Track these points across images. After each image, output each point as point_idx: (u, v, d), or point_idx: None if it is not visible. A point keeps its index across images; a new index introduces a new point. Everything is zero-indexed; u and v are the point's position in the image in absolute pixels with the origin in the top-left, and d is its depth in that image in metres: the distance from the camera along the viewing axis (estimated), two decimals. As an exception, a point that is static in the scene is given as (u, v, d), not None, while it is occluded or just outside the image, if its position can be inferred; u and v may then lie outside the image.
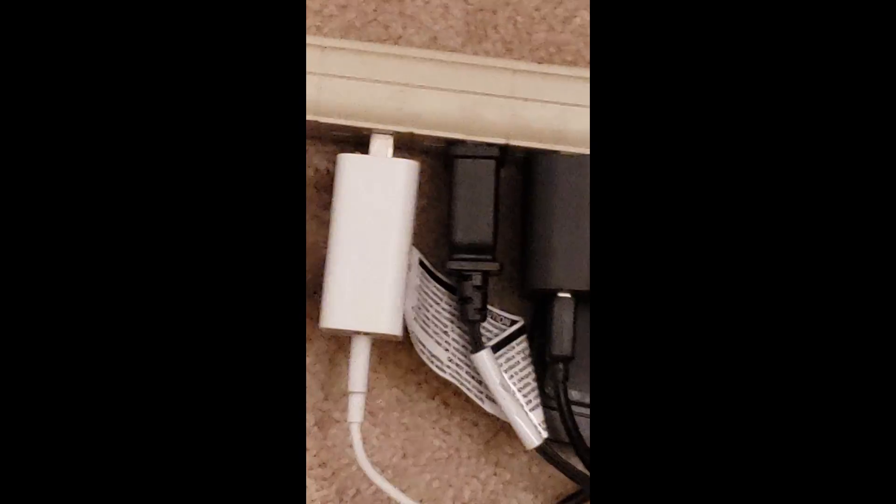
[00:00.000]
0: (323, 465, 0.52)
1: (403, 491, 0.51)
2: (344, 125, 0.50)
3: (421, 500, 0.52)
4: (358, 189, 0.49)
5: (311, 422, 0.52)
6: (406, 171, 0.50)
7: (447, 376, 0.50)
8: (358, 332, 0.50)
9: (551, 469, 0.51)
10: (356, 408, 0.50)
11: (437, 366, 0.50)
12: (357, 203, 0.49)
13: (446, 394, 0.52)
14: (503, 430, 0.52)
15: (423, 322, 0.50)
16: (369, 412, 0.52)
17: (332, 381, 0.52)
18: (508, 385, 0.50)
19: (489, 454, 0.52)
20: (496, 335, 0.51)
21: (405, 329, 0.50)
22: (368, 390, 0.52)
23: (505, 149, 0.50)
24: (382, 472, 0.52)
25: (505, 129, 0.50)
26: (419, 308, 0.50)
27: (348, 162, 0.50)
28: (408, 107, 0.49)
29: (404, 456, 0.52)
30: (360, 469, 0.51)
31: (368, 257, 0.49)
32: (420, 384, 0.52)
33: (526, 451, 0.51)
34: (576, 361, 0.50)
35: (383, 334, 0.49)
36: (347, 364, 0.51)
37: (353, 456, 0.51)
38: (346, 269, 0.49)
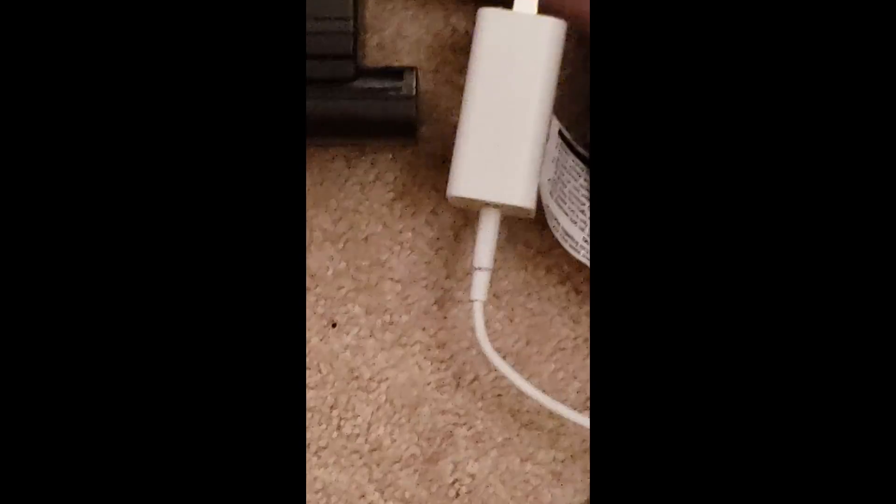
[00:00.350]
0: (441, 346, 0.49)
1: (526, 380, 0.48)
2: None
3: (544, 391, 0.48)
4: (498, 47, 0.46)
5: (430, 300, 0.49)
6: (552, 31, 0.46)
7: (581, 258, 0.47)
8: (488, 204, 0.46)
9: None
10: (481, 285, 0.47)
11: (570, 245, 0.46)
12: (496, 62, 0.46)
13: (578, 279, 0.49)
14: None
15: (560, 197, 0.46)
16: (493, 294, 0.49)
17: (456, 258, 0.49)
18: None
19: (620, 347, 0.48)
20: None
21: (539, 204, 0.46)
22: (494, 270, 0.48)
23: None
24: (504, 358, 0.48)
25: None
26: (556, 182, 0.46)
27: (489, 17, 0.46)
28: None
29: (528, 343, 0.49)
30: (480, 353, 0.47)
31: (505, 122, 0.45)
32: (550, 268, 0.49)
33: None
34: None
35: (516, 207, 0.46)
36: (473, 240, 0.47)
37: (473, 339, 0.47)
38: (479, 134, 0.46)
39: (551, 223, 0.46)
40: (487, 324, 0.48)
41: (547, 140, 0.46)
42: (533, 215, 0.46)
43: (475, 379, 0.49)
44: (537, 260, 0.49)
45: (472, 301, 0.47)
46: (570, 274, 0.49)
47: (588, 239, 0.47)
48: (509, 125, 0.45)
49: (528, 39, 0.46)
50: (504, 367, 0.46)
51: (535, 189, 0.46)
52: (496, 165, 0.45)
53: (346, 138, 0.47)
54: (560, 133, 0.47)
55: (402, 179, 0.49)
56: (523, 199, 0.46)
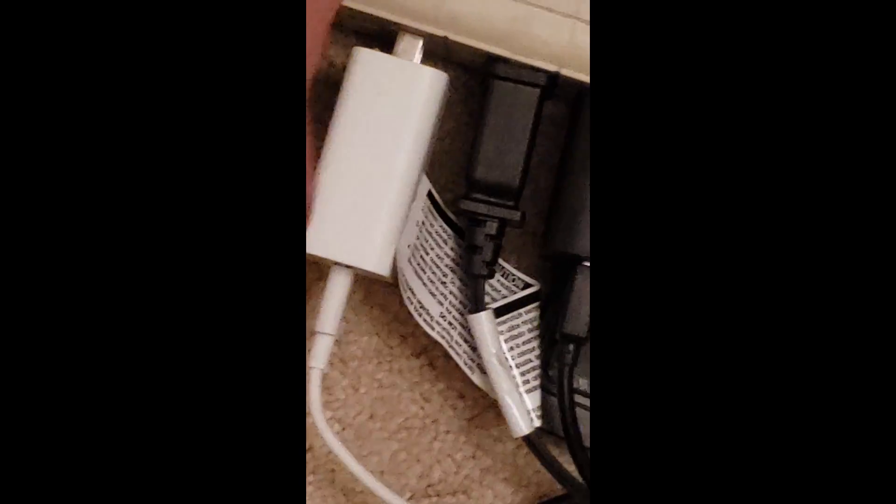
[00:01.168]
0: (275, 409, 0.44)
1: (364, 457, 0.43)
2: (369, 14, 0.42)
3: (381, 472, 0.44)
4: (370, 91, 0.41)
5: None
6: (431, 81, 0.41)
7: (435, 335, 0.42)
8: (339, 264, 0.41)
9: (539, 464, 0.43)
10: (322, 352, 0.42)
11: (425, 320, 0.42)
12: (366, 108, 0.41)
13: (434, 354, 0.44)
14: (492, 408, 0.44)
15: (419, 265, 0.42)
16: (340, 359, 0.44)
17: (307, 315, 0.44)
18: (505, 358, 0.42)
19: (471, 433, 0.44)
20: (503, 297, 0.42)
21: (395, 270, 0.42)
22: (344, 334, 0.44)
23: (555, 78, 0.41)
24: (343, 429, 0.44)
25: (559, 53, 0.41)
26: (417, 248, 0.42)
27: (365, 57, 0.41)
28: (448, 5, 0.41)
29: (371, 417, 0.44)
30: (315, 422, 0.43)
31: (367, 176, 0.41)
32: (405, 337, 0.44)
33: (514, 438, 0.43)
34: (588, 346, 0.42)
35: (368, 272, 0.41)
36: (317, 301, 0.43)
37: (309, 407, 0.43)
38: (337, 186, 0.41)
39: (405, 294, 0.42)
40: (330, 390, 0.44)
41: (413, 201, 0.42)
42: (389, 280, 0.42)
43: (308, 449, 0.44)
44: (392, 326, 0.44)
45: (309, 368, 0.42)
46: (427, 347, 0.44)
47: (444, 315, 0.42)
48: (371, 181, 0.41)
49: (404, 87, 0.41)
50: (335, 445, 0.42)
51: (392, 255, 0.41)
52: (351, 224, 0.41)
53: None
54: (429, 195, 0.42)
55: (254, 221, 0.44)
56: (377, 264, 0.41)
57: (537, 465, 0.44)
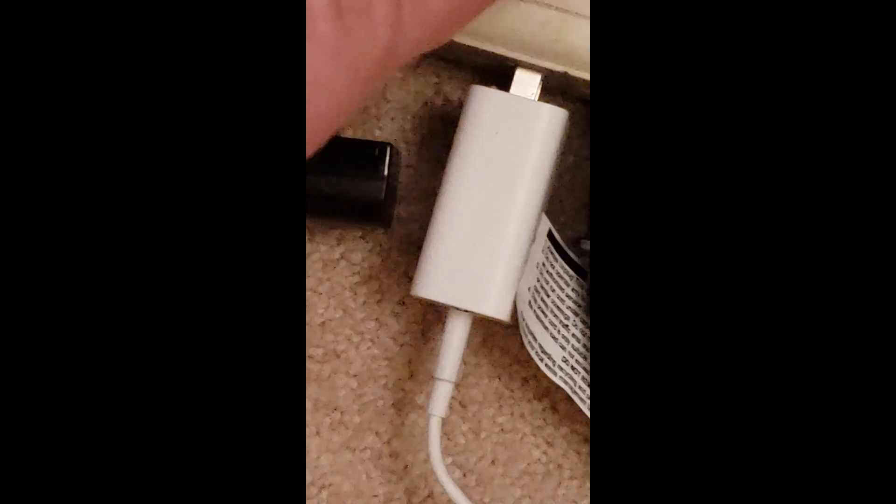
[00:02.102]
0: (395, 455, 0.43)
1: (485, 504, 0.42)
2: (484, 50, 0.40)
3: (504, 520, 0.43)
4: (487, 130, 0.40)
5: (388, 402, 0.43)
6: (550, 119, 0.40)
7: (557, 380, 0.41)
8: (457, 309, 0.40)
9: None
10: (441, 399, 0.41)
11: (546, 365, 0.40)
12: (483, 147, 0.40)
13: (557, 397, 0.43)
14: (618, 453, 0.42)
15: (540, 309, 0.40)
16: (460, 403, 0.43)
17: (423, 357, 0.43)
18: None
19: (596, 479, 0.43)
20: None
21: (515, 312, 0.40)
22: (461, 378, 0.43)
23: None
24: (465, 476, 0.43)
25: None
26: (537, 291, 0.40)
27: (482, 96, 0.40)
28: (567, 39, 0.40)
29: (493, 462, 0.43)
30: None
31: (485, 217, 0.40)
32: (527, 380, 0.43)
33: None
34: None
35: (487, 316, 0.40)
36: (435, 343, 0.42)
37: (428, 452, 0.42)
38: (454, 228, 0.40)
39: (526, 339, 0.40)
40: (450, 435, 0.43)
41: (533, 242, 0.40)
42: (510, 323, 0.41)
43: (429, 496, 0.43)
44: (513, 369, 0.43)
45: (429, 415, 0.41)
46: (549, 390, 0.43)
47: (567, 359, 0.41)
48: (490, 220, 0.40)
49: (521, 127, 0.40)
50: (455, 493, 0.41)
51: (512, 299, 0.40)
52: (470, 266, 0.40)
53: (307, 214, 0.41)
54: (549, 235, 0.41)
55: (369, 261, 0.43)
56: (497, 309, 0.40)
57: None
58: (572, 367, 0.41)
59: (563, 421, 0.43)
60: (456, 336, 0.41)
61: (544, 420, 0.43)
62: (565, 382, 0.41)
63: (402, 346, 0.43)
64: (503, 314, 0.40)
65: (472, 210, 0.40)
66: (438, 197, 0.40)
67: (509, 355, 0.43)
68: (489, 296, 0.39)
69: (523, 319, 0.40)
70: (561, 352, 0.41)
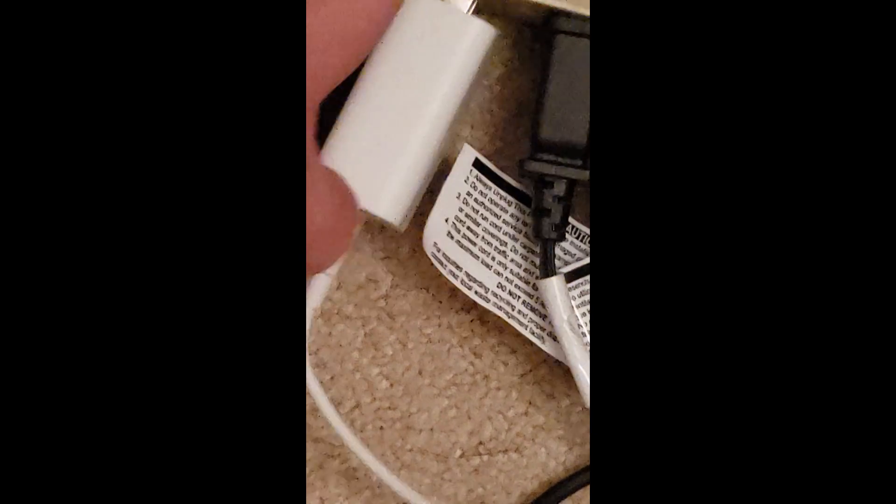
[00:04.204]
0: (322, 365, 0.43)
1: (413, 413, 0.43)
2: None
3: (431, 429, 0.43)
4: (412, 35, 0.39)
5: (314, 314, 0.43)
6: (479, 33, 0.40)
7: (490, 307, 0.41)
8: None
9: (594, 423, 0.41)
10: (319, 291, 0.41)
11: (476, 292, 0.41)
12: (405, 50, 0.39)
13: (485, 308, 0.43)
14: (545, 364, 0.43)
15: (466, 238, 0.40)
16: (388, 314, 0.43)
17: (349, 269, 0.43)
18: (578, 324, 0.40)
19: (523, 390, 0.43)
20: (574, 259, 0.41)
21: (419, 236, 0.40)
22: (391, 288, 0.43)
23: None
24: (392, 386, 0.43)
25: None
26: (460, 221, 0.40)
27: (414, 3, 0.40)
28: None
29: (420, 373, 0.43)
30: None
31: (393, 119, 0.39)
32: (455, 291, 0.43)
33: (568, 395, 0.42)
34: None
35: (377, 217, 0.40)
36: (364, 254, 0.42)
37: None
38: (361, 124, 0.39)
39: (446, 269, 0.40)
40: (377, 346, 0.43)
41: (450, 174, 0.40)
42: (402, 230, 0.40)
43: (356, 407, 0.43)
44: (441, 280, 0.43)
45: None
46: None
47: (504, 285, 0.41)
48: (396, 126, 0.39)
49: (448, 37, 0.39)
50: (321, 400, 0.41)
51: (407, 205, 0.40)
52: (368, 166, 0.39)
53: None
54: (477, 164, 0.41)
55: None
56: (387, 211, 0.40)
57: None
58: (510, 293, 0.41)
59: (491, 332, 0.43)
60: None
61: (472, 331, 0.43)
62: (500, 308, 0.41)
63: (330, 256, 0.43)
64: (394, 218, 0.39)
65: (380, 109, 0.39)
66: (351, 93, 0.40)
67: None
68: (382, 197, 0.39)
69: (438, 250, 0.40)
70: (496, 278, 0.41)
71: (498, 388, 0.43)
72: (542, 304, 0.41)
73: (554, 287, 0.40)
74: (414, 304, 0.43)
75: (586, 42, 0.39)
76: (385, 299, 0.43)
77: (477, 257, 0.40)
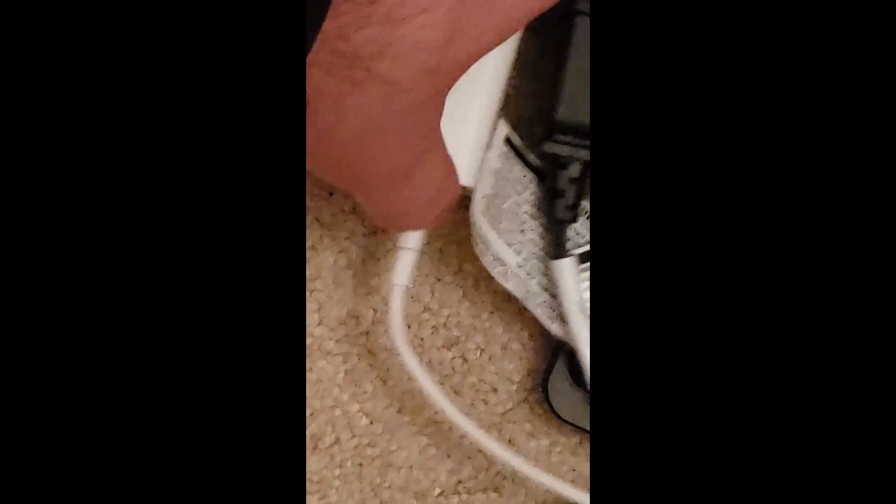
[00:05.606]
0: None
1: (392, 451, 0.42)
2: None
3: (410, 467, 0.43)
4: None
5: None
6: None
7: (510, 286, 0.40)
8: None
9: (574, 461, 0.41)
10: (405, 267, 0.40)
11: (499, 272, 0.40)
12: None
13: (466, 346, 0.43)
14: (525, 402, 0.43)
15: (495, 217, 0.40)
16: (369, 351, 0.43)
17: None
18: (587, 306, 0.40)
19: (503, 429, 0.43)
20: (586, 240, 0.41)
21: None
22: (373, 325, 0.42)
23: None
24: (371, 423, 0.43)
25: None
26: (493, 198, 0.40)
27: None
28: None
29: (400, 410, 0.43)
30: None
31: (453, 95, 0.38)
32: (437, 329, 0.43)
33: (548, 434, 0.42)
34: None
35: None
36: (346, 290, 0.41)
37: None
38: None
39: (479, 247, 0.40)
40: (357, 382, 0.43)
41: (489, 149, 0.40)
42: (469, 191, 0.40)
43: (335, 443, 0.43)
44: (422, 318, 0.43)
45: (393, 285, 0.40)
46: (458, 339, 0.43)
47: (522, 265, 0.40)
48: (456, 93, 0.38)
49: None
50: (421, 374, 0.40)
51: (478, 167, 0.40)
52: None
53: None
54: (507, 140, 0.40)
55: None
56: (464, 177, 0.39)
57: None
58: (527, 273, 0.40)
59: (472, 370, 0.43)
60: None
61: (453, 369, 0.43)
62: (517, 288, 0.40)
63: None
64: (469, 182, 0.39)
65: None
66: None
67: (420, 303, 0.43)
68: (457, 164, 0.39)
69: (478, 228, 0.40)
70: (516, 257, 0.40)
71: (478, 427, 0.43)
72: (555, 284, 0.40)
73: (565, 268, 0.40)
74: (393, 340, 0.43)
75: None
76: (366, 336, 0.43)
77: (501, 236, 0.40)
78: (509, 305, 0.42)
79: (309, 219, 0.42)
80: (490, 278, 0.41)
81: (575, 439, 0.42)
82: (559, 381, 0.41)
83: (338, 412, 0.43)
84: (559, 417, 0.41)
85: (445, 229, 0.43)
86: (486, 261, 0.40)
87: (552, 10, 0.40)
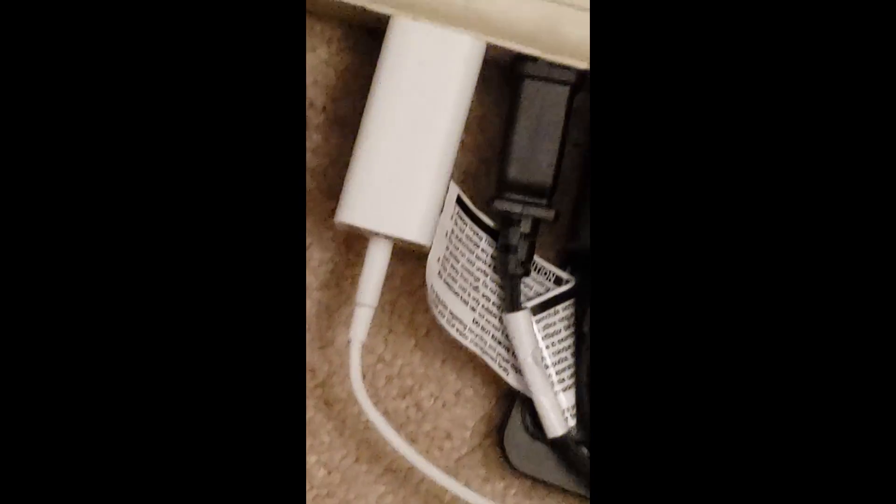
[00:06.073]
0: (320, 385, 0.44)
1: (350, 501, 0.43)
2: (375, 12, 0.41)
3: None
4: (409, 63, 0.40)
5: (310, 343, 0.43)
6: (471, 49, 0.41)
7: (468, 343, 0.42)
8: (378, 235, 0.41)
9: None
10: (361, 324, 0.42)
11: (457, 330, 0.41)
12: (404, 79, 0.40)
13: (420, 395, 0.44)
14: (480, 448, 0.44)
15: (450, 276, 0.41)
16: (325, 402, 0.44)
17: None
18: (542, 357, 0.42)
19: (459, 474, 0.44)
20: (536, 293, 0.42)
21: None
22: (327, 377, 0.43)
23: (585, 75, 0.41)
24: (329, 474, 0.43)
25: (588, 50, 0.41)
26: (447, 259, 0.41)
27: (401, 27, 0.40)
28: (476, 5, 0.40)
29: (357, 460, 0.44)
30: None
31: (406, 146, 0.40)
32: (391, 378, 0.44)
33: (503, 478, 0.43)
34: None
35: (409, 242, 0.41)
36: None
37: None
38: (377, 156, 0.40)
39: (436, 309, 0.41)
40: (313, 434, 0.44)
41: (442, 211, 0.41)
42: (427, 249, 0.41)
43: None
44: (378, 368, 0.44)
45: (349, 340, 0.41)
46: (412, 388, 0.44)
47: (477, 320, 0.42)
48: (412, 150, 0.40)
49: (442, 56, 0.40)
50: (375, 416, 0.41)
51: (434, 223, 0.41)
52: (392, 193, 0.40)
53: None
54: (458, 200, 0.42)
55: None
56: (419, 234, 0.41)
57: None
58: (482, 328, 0.42)
59: (427, 418, 0.44)
60: (377, 261, 0.41)
61: (407, 417, 0.44)
62: (476, 345, 0.42)
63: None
64: (424, 239, 0.41)
65: (393, 139, 0.40)
66: (361, 126, 0.41)
67: (374, 354, 0.44)
68: (411, 222, 0.40)
69: (433, 291, 0.41)
70: (471, 314, 0.42)
71: (437, 469, 0.44)
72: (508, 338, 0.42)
73: (520, 321, 0.41)
74: (350, 392, 0.44)
75: (552, 86, 0.41)
76: (322, 387, 0.43)
77: (457, 295, 0.41)
78: (461, 354, 0.43)
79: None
80: (441, 327, 0.42)
81: (529, 482, 0.43)
82: (515, 433, 0.43)
83: (349, 394, 0.43)
84: (516, 470, 0.43)
85: (397, 281, 0.44)
86: (443, 321, 0.41)
87: (498, 68, 0.42)
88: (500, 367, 0.42)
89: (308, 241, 0.43)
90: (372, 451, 0.43)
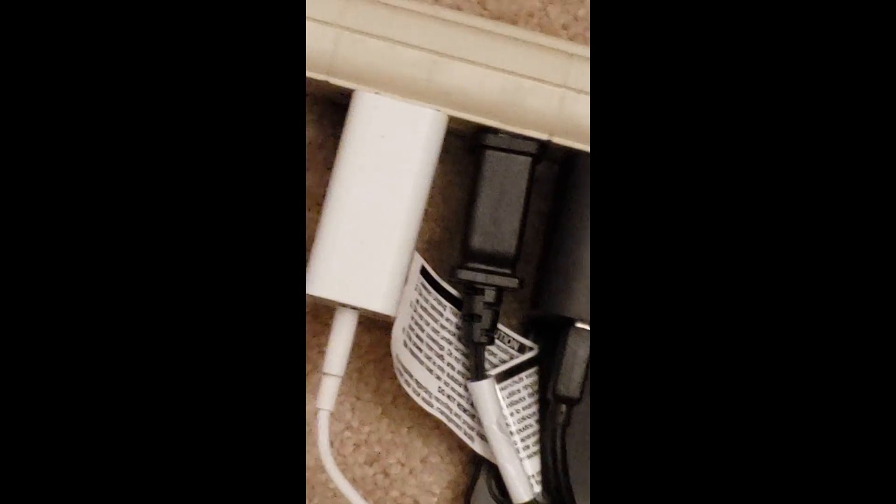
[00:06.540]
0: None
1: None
2: (335, 84, 0.42)
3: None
4: (373, 133, 0.41)
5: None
6: (433, 122, 0.41)
7: (434, 411, 0.42)
8: (344, 305, 0.42)
9: None
10: (328, 393, 0.42)
11: (423, 398, 0.42)
12: (368, 153, 0.41)
13: (387, 462, 0.45)
14: None
15: (416, 346, 0.42)
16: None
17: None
18: (506, 424, 0.42)
19: None
20: (500, 360, 0.43)
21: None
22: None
23: (546, 145, 0.42)
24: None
25: (550, 122, 0.41)
26: (412, 329, 0.42)
27: (364, 101, 0.41)
28: (438, 79, 0.41)
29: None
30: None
31: (370, 218, 0.41)
32: (359, 445, 0.45)
33: None
34: (579, 407, 0.42)
35: (374, 312, 0.41)
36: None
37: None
38: (342, 228, 0.41)
39: (402, 378, 0.42)
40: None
41: (406, 282, 0.42)
42: (392, 319, 0.42)
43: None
44: (345, 436, 0.44)
45: (317, 409, 0.42)
46: (380, 455, 0.45)
47: (443, 388, 0.42)
48: (377, 223, 0.41)
49: (405, 129, 0.41)
50: (343, 486, 0.41)
51: (398, 294, 0.41)
52: (357, 265, 0.41)
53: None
54: (423, 270, 0.42)
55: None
56: (383, 304, 0.41)
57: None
58: (448, 396, 0.42)
59: (394, 484, 0.44)
60: (343, 331, 0.42)
61: (375, 484, 0.44)
62: (442, 413, 0.42)
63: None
64: (389, 309, 0.41)
65: (358, 212, 0.41)
66: (326, 198, 0.41)
67: (341, 422, 0.44)
68: (376, 293, 0.41)
69: (399, 360, 0.41)
70: (437, 382, 0.42)
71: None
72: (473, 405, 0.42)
73: (484, 389, 0.42)
74: (318, 460, 0.44)
75: (514, 157, 0.42)
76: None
77: (423, 363, 0.42)
78: (427, 420, 0.44)
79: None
80: (408, 395, 0.42)
81: (495, 546, 0.44)
82: (482, 499, 0.43)
83: (317, 462, 0.43)
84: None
85: (363, 349, 0.44)
86: (410, 390, 0.42)
87: (461, 140, 0.43)
88: (466, 434, 0.42)
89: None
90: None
